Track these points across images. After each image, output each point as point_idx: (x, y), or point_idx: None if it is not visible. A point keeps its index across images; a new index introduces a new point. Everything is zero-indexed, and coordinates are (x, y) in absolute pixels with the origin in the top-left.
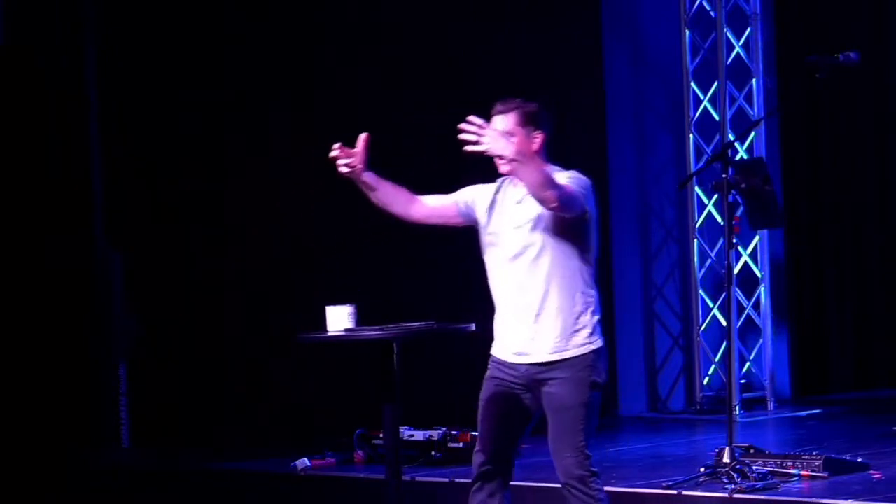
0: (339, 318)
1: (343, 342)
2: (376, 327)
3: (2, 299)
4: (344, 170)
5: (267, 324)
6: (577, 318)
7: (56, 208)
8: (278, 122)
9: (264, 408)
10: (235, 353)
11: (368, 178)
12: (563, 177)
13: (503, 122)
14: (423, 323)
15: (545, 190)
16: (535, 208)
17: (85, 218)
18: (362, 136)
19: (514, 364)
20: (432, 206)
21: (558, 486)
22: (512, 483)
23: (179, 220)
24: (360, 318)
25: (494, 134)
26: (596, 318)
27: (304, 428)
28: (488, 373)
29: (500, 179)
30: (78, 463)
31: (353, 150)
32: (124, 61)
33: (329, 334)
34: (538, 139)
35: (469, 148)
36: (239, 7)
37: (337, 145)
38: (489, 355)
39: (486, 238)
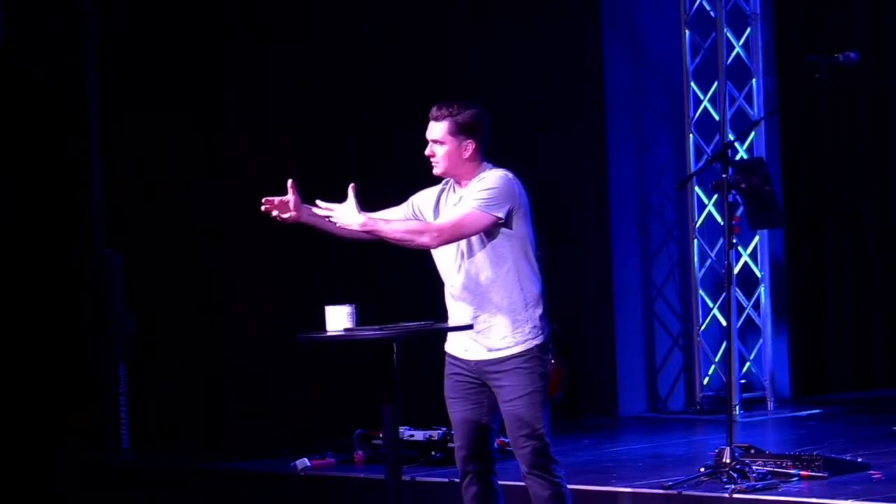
0: (338, 318)
1: (342, 342)
2: (376, 327)
3: (2, 299)
4: (281, 218)
5: (267, 324)
6: (519, 313)
7: (56, 208)
8: (278, 122)
9: (264, 408)
10: (235, 353)
11: (311, 219)
12: (490, 179)
13: (435, 130)
14: (422, 323)
15: (415, 240)
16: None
17: (85, 218)
18: (290, 183)
19: (464, 360)
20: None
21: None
22: (507, 483)
23: (179, 220)
24: (360, 318)
25: (340, 212)
26: (538, 311)
27: (304, 428)
28: (446, 369)
29: (444, 181)
30: (78, 463)
31: (284, 199)
32: (124, 61)
33: (328, 334)
34: (470, 148)
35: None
36: (239, 8)
37: (263, 199)
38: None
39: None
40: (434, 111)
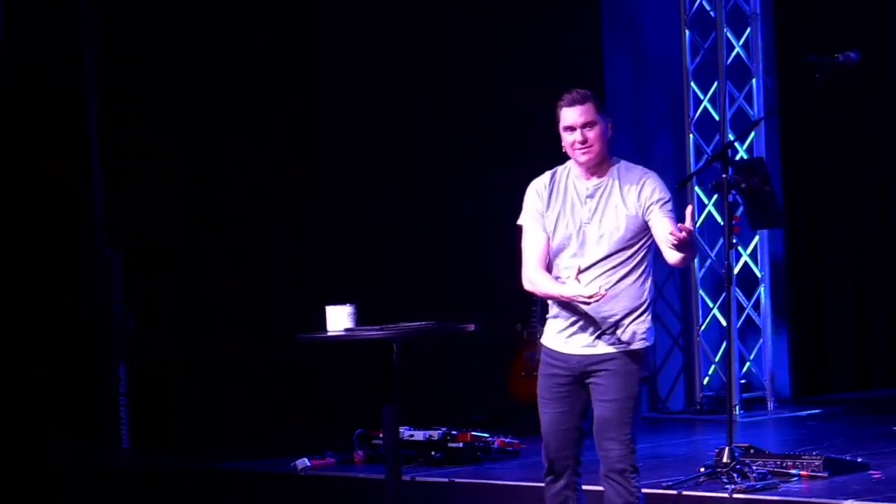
0: (338, 318)
1: (343, 342)
2: (376, 327)
3: (2, 299)
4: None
5: (267, 324)
6: (638, 316)
7: (56, 208)
8: (278, 122)
9: (264, 408)
10: (235, 353)
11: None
12: (652, 181)
13: (584, 112)
14: (423, 323)
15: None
16: (609, 214)
17: (85, 218)
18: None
19: (567, 354)
20: (546, 257)
21: (598, 488)
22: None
23: (179, 219)
24: (360, 318)
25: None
26: (651, 315)
27: (304, 428)
28: (541, 368)
29: (548, 175)
30: (78, 463)
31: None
32: (124, 61)
33: (329, 334)
34: (611, 128)
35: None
36: (239, 7)
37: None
38: (541, 345)
39: (555, 242)
40: (573, 95)
